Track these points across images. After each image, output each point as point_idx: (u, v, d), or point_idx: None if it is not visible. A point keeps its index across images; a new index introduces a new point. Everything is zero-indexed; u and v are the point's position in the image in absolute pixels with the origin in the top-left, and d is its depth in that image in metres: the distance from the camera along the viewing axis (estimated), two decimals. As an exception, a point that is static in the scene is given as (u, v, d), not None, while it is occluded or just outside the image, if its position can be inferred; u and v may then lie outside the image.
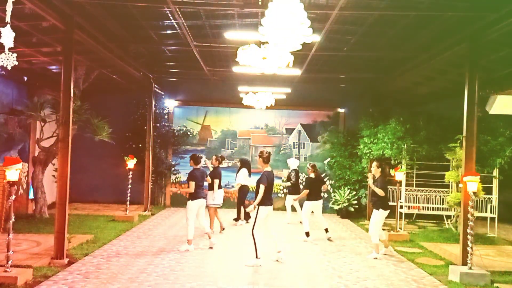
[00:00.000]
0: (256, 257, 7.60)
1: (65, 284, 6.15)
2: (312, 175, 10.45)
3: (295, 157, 14.59)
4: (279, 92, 13.42)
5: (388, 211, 8.66)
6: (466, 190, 7.18)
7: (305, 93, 14.87)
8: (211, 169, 10.98)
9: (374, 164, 8.90)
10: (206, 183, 9.38)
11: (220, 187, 10.57)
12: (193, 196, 8.60)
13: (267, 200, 7.75)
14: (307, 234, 10.04)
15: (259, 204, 7.68)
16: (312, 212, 10.25)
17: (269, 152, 8.17)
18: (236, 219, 11.88)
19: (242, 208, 11.86)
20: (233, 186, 14.54)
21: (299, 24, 4.49)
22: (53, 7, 6.98)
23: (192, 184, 8.56)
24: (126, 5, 7.91)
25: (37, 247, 8.19)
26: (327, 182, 15.15)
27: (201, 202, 8.74)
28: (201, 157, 9.30)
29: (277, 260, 7.92)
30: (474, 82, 7.72)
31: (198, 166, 8.97)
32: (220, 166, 10.93)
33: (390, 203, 12.65)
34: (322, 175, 15.19)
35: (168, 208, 14.58)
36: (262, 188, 7.67)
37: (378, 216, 8.58)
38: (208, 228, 9.15)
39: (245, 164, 11.98)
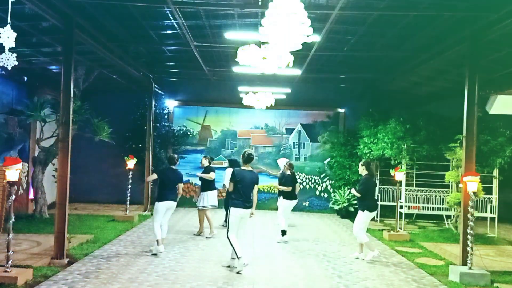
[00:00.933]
0: (237, 257, 7.15)
1: (65, 284, 6.15)
2: (288, 173, 10.10)
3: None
4: (279, 92, 13.42)
5: (373, 213, 8.40)
6: (466, 190, 7.18)
7: (305, 93, 14.87)
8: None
9: (360, 163, 8.69)
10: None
11: (210, 188, 10.18)
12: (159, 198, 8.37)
13: (239, 201, 7.25)
14: (284, 232, 9.70)
15: (231, 205, 7.36)
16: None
17: (250, 153, 7.50)
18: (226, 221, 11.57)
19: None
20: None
21: (299, 24, 4.49)
22: (53, 7, 6.98)
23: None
24: (126, 5, 7.91)
25: (37, 247, 8.20)
26: (327, 182, 15.18)
27: (168, 204, 8.35)
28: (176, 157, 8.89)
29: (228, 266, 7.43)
30: (474, 82, 7.72)
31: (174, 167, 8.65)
32: (213, 166, 10.68)
33: (390, 204, 12.89)
34: (322, 175, 15.25)
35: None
36: (229, 185, 7.37)
37: (362, 217, 8.30)
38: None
39: (234, 164, 11.56)
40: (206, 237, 9.81)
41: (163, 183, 8.43)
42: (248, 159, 7.45)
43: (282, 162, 12.59)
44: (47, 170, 11.38)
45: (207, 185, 10.18)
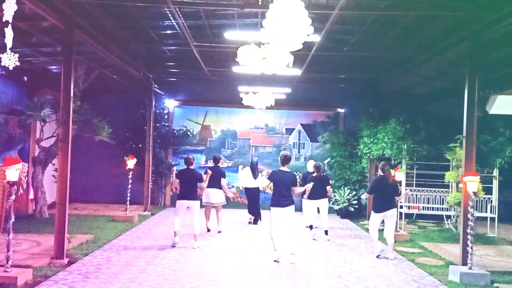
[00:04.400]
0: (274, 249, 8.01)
1: (65, 284, 6.15)
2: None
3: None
4: (279, 92, 13.42)
5: (378, 214, 8.52)
6: (466, 190, 7.18)
7: (305, 93, 14.87)
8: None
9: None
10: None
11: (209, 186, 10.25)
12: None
13: (276, 200, 7.97)
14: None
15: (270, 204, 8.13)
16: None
17: (285, 154, 8.12)
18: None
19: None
20: (233, 186, 14.55)
21: (299, 24, 4.50)
22: (53, 7, 6.98)
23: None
24: (126, 5, 7.91)
25: (37, 247, 8.20)
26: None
27: (185, 203, 8.96)
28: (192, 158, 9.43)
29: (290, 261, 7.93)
30: (474, 82, 7.71)
31: (191, 167, 9.19)
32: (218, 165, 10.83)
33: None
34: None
35: (168, 208, 14.57)
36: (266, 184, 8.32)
37: (370, 217, 8.75)
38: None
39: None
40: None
41: (181, 183, 9.20)
42: (285, 160, 8.06)
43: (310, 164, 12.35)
44: (47, 170, 11.38)
45: (211, 183, 10.25)
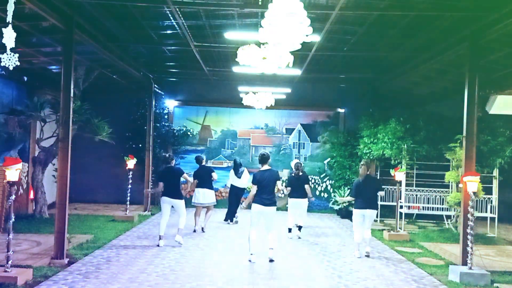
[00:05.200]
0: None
1: (65, 284, 6.15)
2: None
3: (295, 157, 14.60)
4: (279, 92, 13.41)
5: (357, 210, 8.63)
6: (466, 190, 7.17)
7: (305, 93, 14.87)
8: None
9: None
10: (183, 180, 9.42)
11: (200, 186, 10.40)
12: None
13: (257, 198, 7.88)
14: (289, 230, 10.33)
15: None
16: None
17: (263, 153, 8.15)
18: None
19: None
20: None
21: (299, 24, 4.49)
22: (53, 7, 6.97)
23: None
24: (126, 5, 7.91)
25: (37, 247, 8.20)
26: (327, 182, 15.18)
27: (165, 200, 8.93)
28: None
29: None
30: (474, 82, 7.72)
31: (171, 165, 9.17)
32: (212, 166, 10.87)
33: (390, 204, 12.87)
34: (322, 175, 15.26)
35: (168, 208, 14.57)
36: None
37: (353, 216, 8.83)
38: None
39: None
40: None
41: (164, 183, 8.95)
42: (262, 159, 8.07)
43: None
44: (47, 170, 11.37)
45: (201, 183, 10.37)
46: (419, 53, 10.05)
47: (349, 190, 13.94)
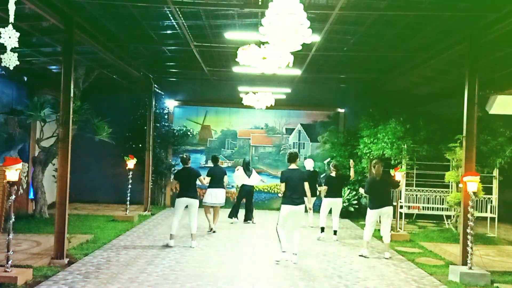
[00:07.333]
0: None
1: (65, 284, 6.15)
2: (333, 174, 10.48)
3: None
4: (279, 92, 13.41)
5: (373, 210, 8.58)
6: (466, 190, 7.17)
7: (305, 93, 14.86)
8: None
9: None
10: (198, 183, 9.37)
11: (213, 186, 10.44)
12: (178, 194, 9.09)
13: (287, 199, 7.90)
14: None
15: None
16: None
17: (291, 152, 8.26)
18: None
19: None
20: (232, 187, 14.56)
21: (299, 24, 4.49)
22: (53, 7, 6.98)
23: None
24: (126, 5, 7.91)
25: (37, 247, 8.20)
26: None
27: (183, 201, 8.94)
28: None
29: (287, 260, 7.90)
30: (474, 82, 7.72)
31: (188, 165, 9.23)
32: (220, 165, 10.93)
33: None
34: (322, 175, 15.24)
35: (168, 208, 14.57)
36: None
37: (367, 214, 8.74)
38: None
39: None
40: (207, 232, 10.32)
41: (180, 182, 9.19)
42: (290, 158, 8.12)
43: (308, 163, 12.37)
44: (47, 170, 11.37)
45: (214, 183, 10.41)
46: (419, 53, 10.04)
47: (349, 190, 13.96)
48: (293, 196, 7.82)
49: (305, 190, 8.01)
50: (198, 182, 9.25)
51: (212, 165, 10.93)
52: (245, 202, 12.09)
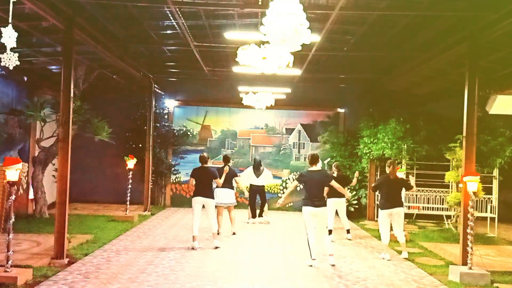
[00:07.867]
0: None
1: (65, 284, 6.15)
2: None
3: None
4: (279, 92, 13.41)
5: (384, 210, 8.59)
6: (466, 190, 7.18)
7: (305, 93, 14.86)
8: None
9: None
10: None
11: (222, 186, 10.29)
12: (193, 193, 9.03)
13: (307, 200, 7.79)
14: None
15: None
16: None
17: (312, 154, 8.13)
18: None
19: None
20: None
21: (299, 24, 4.50)
22: (53, 7, 6.97)
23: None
24: (126, 5, 7.90)
25: (37, 247, 8.20)
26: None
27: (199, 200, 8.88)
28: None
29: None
30: (474, 82, 7.71)
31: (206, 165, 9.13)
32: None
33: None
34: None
35: (168, 208, 14.58)
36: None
37: (379, 217, 8.71)
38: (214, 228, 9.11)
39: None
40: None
41: (196, 181, 8.98)
42: (312, 160, 7.97)
43: None
44: (47, 170, 11.37)
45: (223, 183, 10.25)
46: (419, 53, 10.03)
47: (349, 190, 13.93)
48: (312, 198, 7.66)
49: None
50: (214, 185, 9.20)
51: (223, 165, 10.63)
52: (251, 201, 12.12)
